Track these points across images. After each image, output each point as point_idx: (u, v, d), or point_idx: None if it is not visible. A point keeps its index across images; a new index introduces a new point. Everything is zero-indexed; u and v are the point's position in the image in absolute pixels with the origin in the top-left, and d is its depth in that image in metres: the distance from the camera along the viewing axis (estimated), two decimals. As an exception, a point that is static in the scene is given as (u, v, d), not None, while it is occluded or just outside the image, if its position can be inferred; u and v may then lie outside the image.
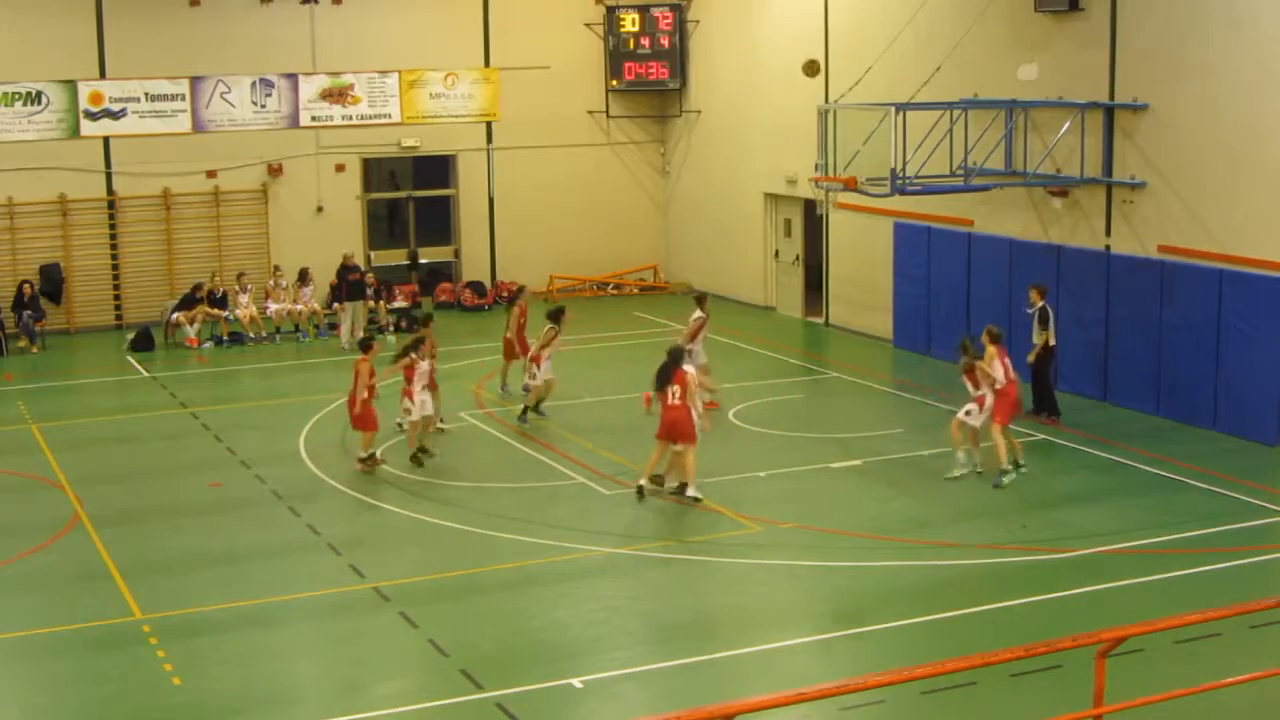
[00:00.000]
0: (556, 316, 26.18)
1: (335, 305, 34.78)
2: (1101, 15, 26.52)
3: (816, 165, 27.39)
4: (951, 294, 30.11)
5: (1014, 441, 22.31)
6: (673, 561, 19.01)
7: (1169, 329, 25.50)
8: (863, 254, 33.30)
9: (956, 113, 27.27)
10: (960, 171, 27.27)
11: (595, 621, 17.13)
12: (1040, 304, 25.21)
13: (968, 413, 22.31)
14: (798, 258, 36.39)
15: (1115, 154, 26.50)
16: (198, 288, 35.02)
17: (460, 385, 28.81)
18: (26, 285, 34.94)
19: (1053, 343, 25.31)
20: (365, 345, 24.09)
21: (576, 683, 15.21)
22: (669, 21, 39.70)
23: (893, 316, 32.04)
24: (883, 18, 31.49)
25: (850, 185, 26.46)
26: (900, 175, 25.45)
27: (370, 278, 36.05)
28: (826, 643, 16.57)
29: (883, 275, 32.31)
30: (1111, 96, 26.47)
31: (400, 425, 24.37)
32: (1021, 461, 22.28)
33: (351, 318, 33.87)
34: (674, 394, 21.18)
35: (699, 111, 39.66)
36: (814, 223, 35.48)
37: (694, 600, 18.03)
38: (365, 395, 23.09)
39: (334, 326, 34.63)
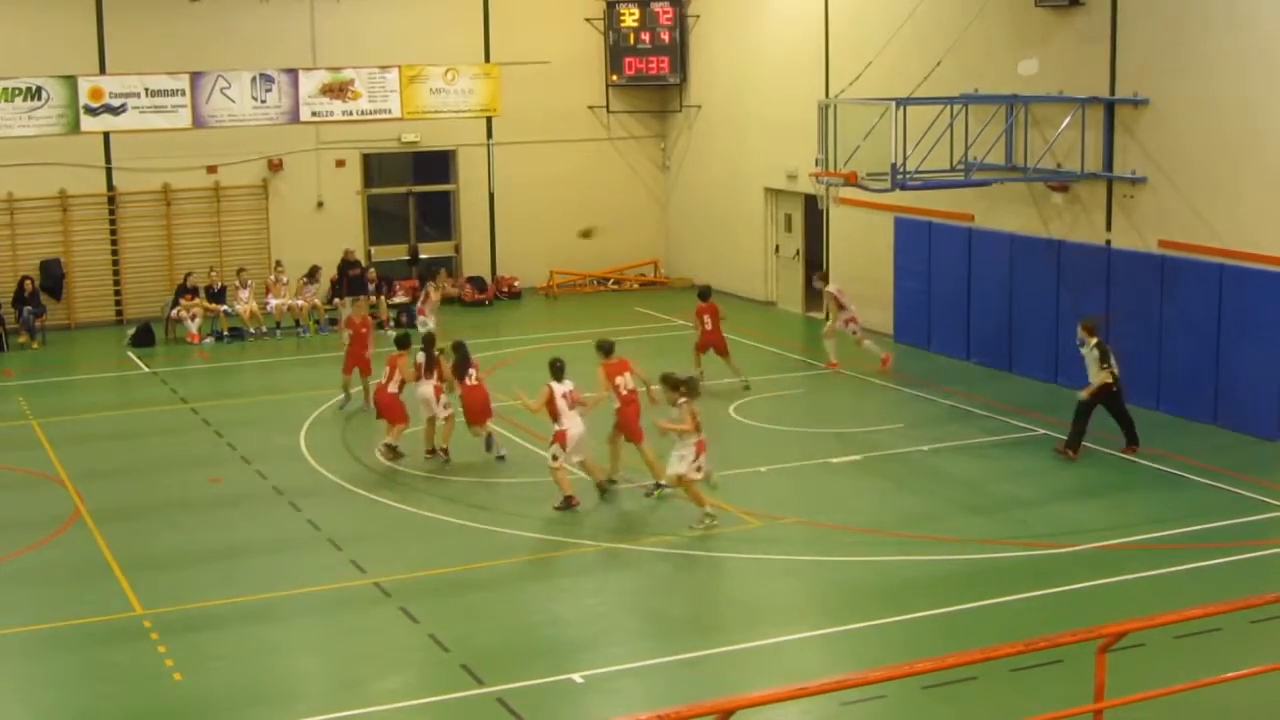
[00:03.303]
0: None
1: (336, 300, 34.78)
2: (1102, 10, 26.52)
3: (817, 160, 27.41)
4: (952, 289, 30.12)
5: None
6: (673, 556, 19.03)
7: (1169, 324, 25.50)
8: (863, 249, 33.30)
9: (957, 108, 27.28)
10: (961, 166, 27.27)
11: (596, 616, 17.16)
12: (1094, 340, 23.03)
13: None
14: (798, 253, 36.39)
15: (1116, 149, 26.50)
16: (188, 276, 35.11)
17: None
18: (27, 280, 34.95)
19: (1112, 382, 22.88)
20: (402, 343, 24.24)
21: (577, 678, 15.23)
22: (669, 16, 39.69)
23: (893, 311, 32.04)
24: (882, 12, 31.48)
25: (851, 180, 26.46)
26: (901, 170, 25.46)
27: (371, 273, 36.09)
28: (826, 637, 16.57)
29: (883, 270, 32.30)
30: (1112, 91, 26.48)
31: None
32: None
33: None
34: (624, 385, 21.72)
35: (699, 106, 39.66)
36: (814, 218, 35.47)
37: (694, 595, 18.07)
38: (396, 390, 23.33)
39: (334, 322, 34.60)
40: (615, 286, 40.40)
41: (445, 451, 23.27)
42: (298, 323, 35.21)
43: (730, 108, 38.20)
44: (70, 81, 33.91)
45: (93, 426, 26.75)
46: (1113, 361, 22.82)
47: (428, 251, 39.92)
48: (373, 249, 39.10)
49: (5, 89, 33.35)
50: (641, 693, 15.10)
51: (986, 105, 27.75)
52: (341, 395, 27.20)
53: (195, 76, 34.61)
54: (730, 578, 18.55)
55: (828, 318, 30.20)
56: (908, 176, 25.80)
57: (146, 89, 34.80)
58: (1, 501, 22.25)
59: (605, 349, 21.94)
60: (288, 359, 32.65)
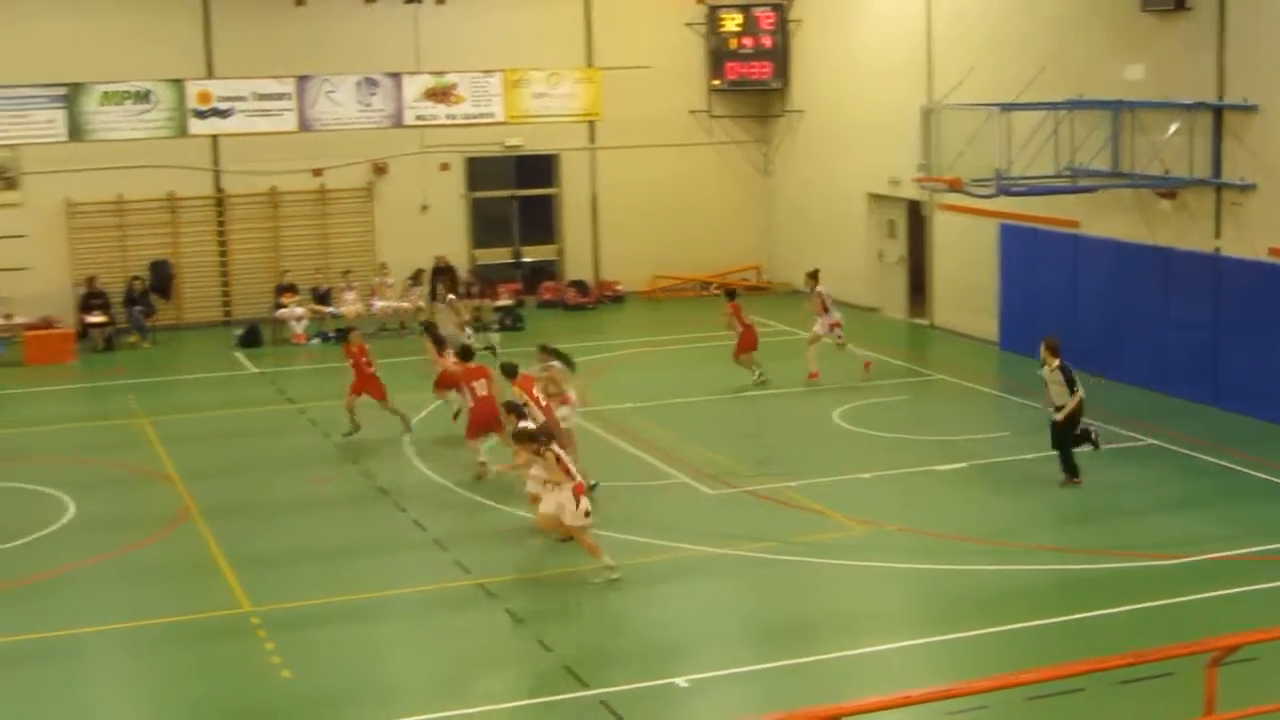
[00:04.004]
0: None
1: (431, 305, 35.02)
2: (1209, 14, 26.21)
3: (921, 166, 27.29)
4: (1057, 296, 29.84)
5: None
6: (775, 562, 19.00)
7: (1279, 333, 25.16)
8: (967, 255, 33.10)
9: (1061, 113, 27.06)
10: (1066, 172, 27.07)
11: (698, 621, 17.19)
12: (1056, 362, 21.92)
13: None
14: (901, 259, 36.25)
15: (1224, 155, 26.18)
16: (284, 273, 35.80)
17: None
18: (137, 281, 35.51)
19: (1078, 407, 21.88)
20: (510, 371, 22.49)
21: (681, 681, 15.25)
22: (771, 21, 39.65)
23: (998, 319, 31.80)
24: (985, 17, 31.31)
25: (954, 186, 26.35)
26: (1005, 176, 25.31)
27: (463, 277, 36.31)
28: (928, 646, 16.47)
29: (987, 277, 32.09)
30: (1220, 97, 26.16)
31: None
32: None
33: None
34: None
35: (801, 111, 39.59)
36: (918, 223, 35.33)
37: (797, 601, 18.03)
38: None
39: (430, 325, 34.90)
40: (717, 291, 40.36)
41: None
42: (402, 325, 35.50)
43: (832, 112, 38.10)
44: (178, 85, 34.35)
45: (201, 425, 27.11)
46: (1079, 384, 21.81)
47: (531, 255, 40.14)
48: (476, 252, 39.35)
49: (115, 92, 33.81)
50: (744, 698, 15.10)
51: (1091, 111, 27.52)
52: (350, 425, 25.59)
53: (301, 80, 34.96)
54: (831, 584, 18.49)
55: (826, 314, 29.31)
56: (1012, 183, 25.64)
57: (253, 93, 35.15)
58: (113, 498, 22.60)
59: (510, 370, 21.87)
60: (392, 361, 32.82)
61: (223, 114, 34.92)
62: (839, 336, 29.03)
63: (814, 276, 29.87)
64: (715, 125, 40.72)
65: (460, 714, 14.72)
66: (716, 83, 40.17)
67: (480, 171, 39.58)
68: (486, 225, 40.03)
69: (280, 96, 35.18)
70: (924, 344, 33.36)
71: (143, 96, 34.14)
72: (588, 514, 18.23)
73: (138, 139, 34.25)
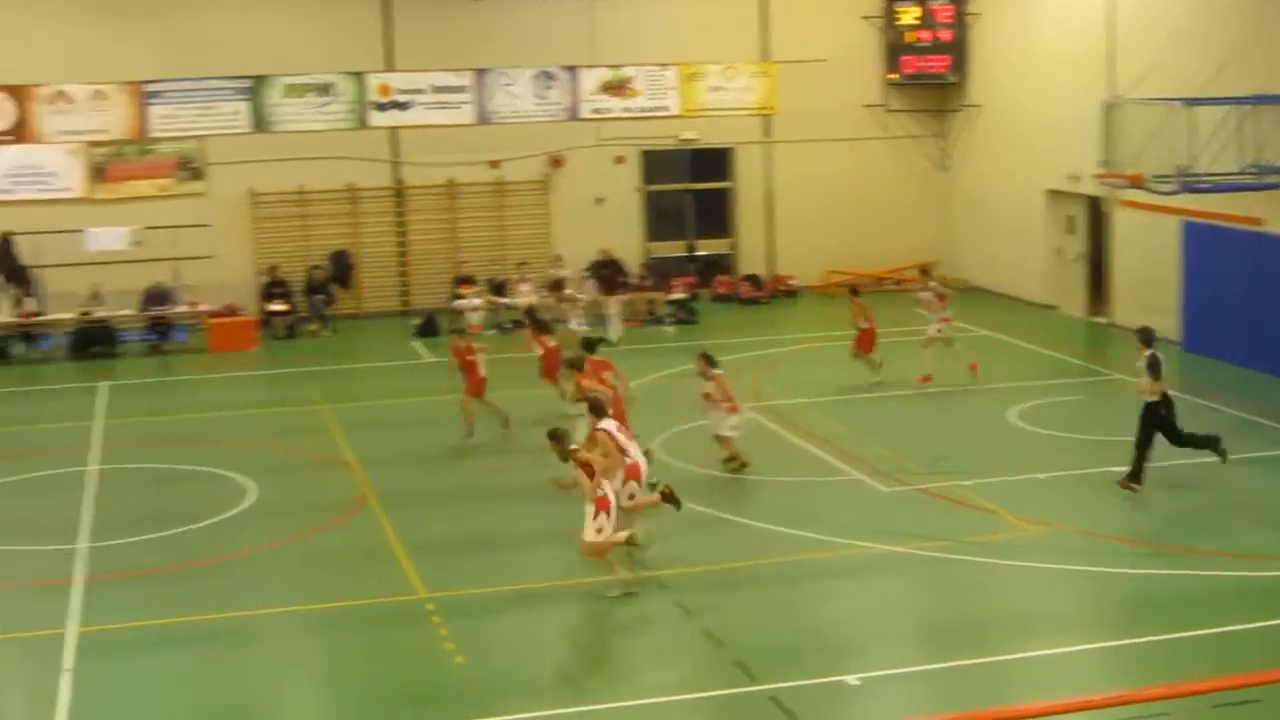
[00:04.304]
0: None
1: (598, 299, 35.22)
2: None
3: (1101, 161, 26.86)
4: (1241, 295, 29.16)
5: None
6: (948, 561, 18.82)
7: None
8: (1148, 252, 32.48)
9: (1246, 108, 26.45)
10: (1251, 169, 26.46)
11: (869, 618, 17.11)
12: (1147, 352, 21.18)
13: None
14: (1080, 255, 35.71)
15: None
16: (462, 264, 36.52)
17: (735, 379, 28.81)
18: (317, 270, 36.15)
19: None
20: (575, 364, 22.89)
21: (851, 679, 15.17)
22: (949, 14, 39.29)
23: (1180, 318, 31.13)
24: (1169, 8, 30.70)
25: (1136, 182, 25.91)
26: (1188, 173, 24.82)
27: (628, 270, 36.39)
28: (1103, 651, 16.17)
29: (1167, 274, 31.46)
30: None
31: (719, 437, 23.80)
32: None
33: (608, 312, 34.26)
34: None
35: (979, 105, 39.17)
36: (1097, 219, 34.77)
37: (968, 601, 17.84)
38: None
39: (600, 318, 35.15)
40: (893, 286, 40.10)
41: (737, 460, 22.83)
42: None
43: (1011, 107, 37.64)
44: (359, 78, 34.85)
45: (379, 413, 27.52)
46: (1161, 376, 21.10)
47: (705, 249, 40.20)
48: (650, 245, 39.49)
49: (296, 85, 34.37)
50: (915, 698, 15.00)
51: (1277, 106, 26.82)
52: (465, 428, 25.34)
53: (479, 73, 35.29)
54: (1003, 585, 18.27)
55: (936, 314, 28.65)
56: (1195, 179, 25.14)
57: (432, 85, 35.52)
58: (293, 484, 23.05)
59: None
60: (566, 352, 33.06)
61: (402, 106, 35.33)
62: (943, 332, 28.42)
63: (927, 271, 29.47)
64: (891, 119, 40.43)
65: (629, 705, 14.77)
66: (893, 76, 39.89)
67: (655, 165, 39.71)
68: (661, 218, 40.13)
69: (458, 89, 35.49)
70: (1103, 342, 32.80)
71: (324, 89, 34.66)
72: (600, 531, 17.61)
73: (319, 131, 34.82)
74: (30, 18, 35.38)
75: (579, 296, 30.50)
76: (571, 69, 35.81)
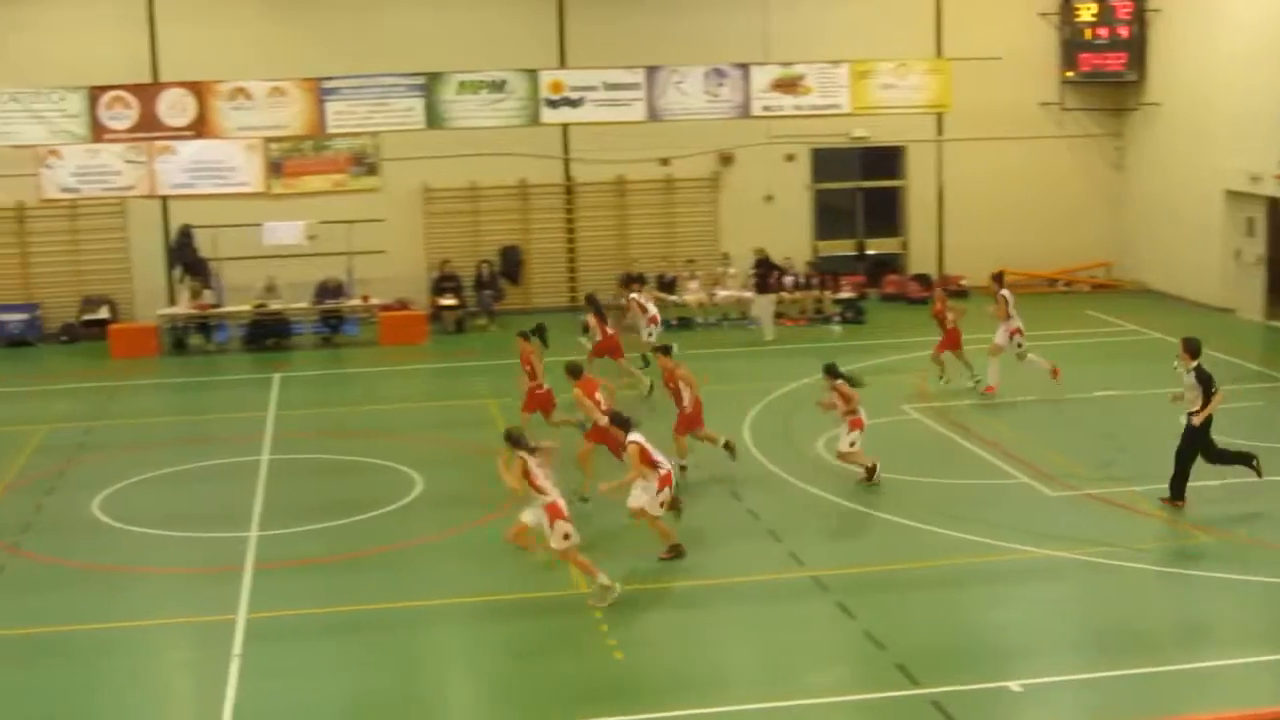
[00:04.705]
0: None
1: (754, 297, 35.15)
2: None
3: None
4: None
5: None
6: (1116, 568, 18.48)
7: None
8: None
9: None
10: None
11: (1034, 624, 16.88)
12: (1194, 364, 20.58)
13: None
14: (1260, 258, 34.87)
15: None
16: (632, 262, 36.51)
17: (902, 379, 28.67)
18: (485, 265, 36.48)
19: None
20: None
21: (1014, 685, 14.97)
22: (1128, 10, 38.57)
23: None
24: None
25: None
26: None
27: (784, 270, 36.17)
28: (1272, 665, 15.74)
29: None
30: None
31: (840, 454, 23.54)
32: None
33: (755, 312, 34.07)
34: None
35: (1158, 104, 38.40)
36: (1278, 221, 33.93)
37: (1138, 610, 17.48)
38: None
39: (779, 316, 35.05)
40: (1065, 288, 39.50)
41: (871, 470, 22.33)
42: (744, 315, 35.66)
43: (1191, 106, 36.84)
44: (532, 75, 35.07)
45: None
46: (1216, 388, 20.35)
47: (874, 248, 39.94)
48: (819, 244, 39.32)
49: (471, 82, 34.66)
50: (1080, 707, 14.78)
51: None
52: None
53: (650, 71, 35.34)
54: (1172, 593, 17.92)
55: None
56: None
57: (603, 82, 35.62)
58: (459, 477, 23.27)
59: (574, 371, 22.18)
60: (733, 350, 33.08)
61: (573, 103, 35.47)
62: (1019, 345, 27.60)
63: (998, 279, 28.53)
64: (1066, 118, 39.81)
65: (786, 706, 14.71)
66: (1069, 74, 39.27)
67: (825, 163, 39.52)
68: (830, 217, 39.93)
69: (630, 86, 35.54)
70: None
71: (497, 86, 34.91)
72: (567, 537, 17.39)
73: (491, 127, 35.10)
74: (211, 16, 36.16)
75: (649, 307, 30.36)
76: (743, 66, 35.69)
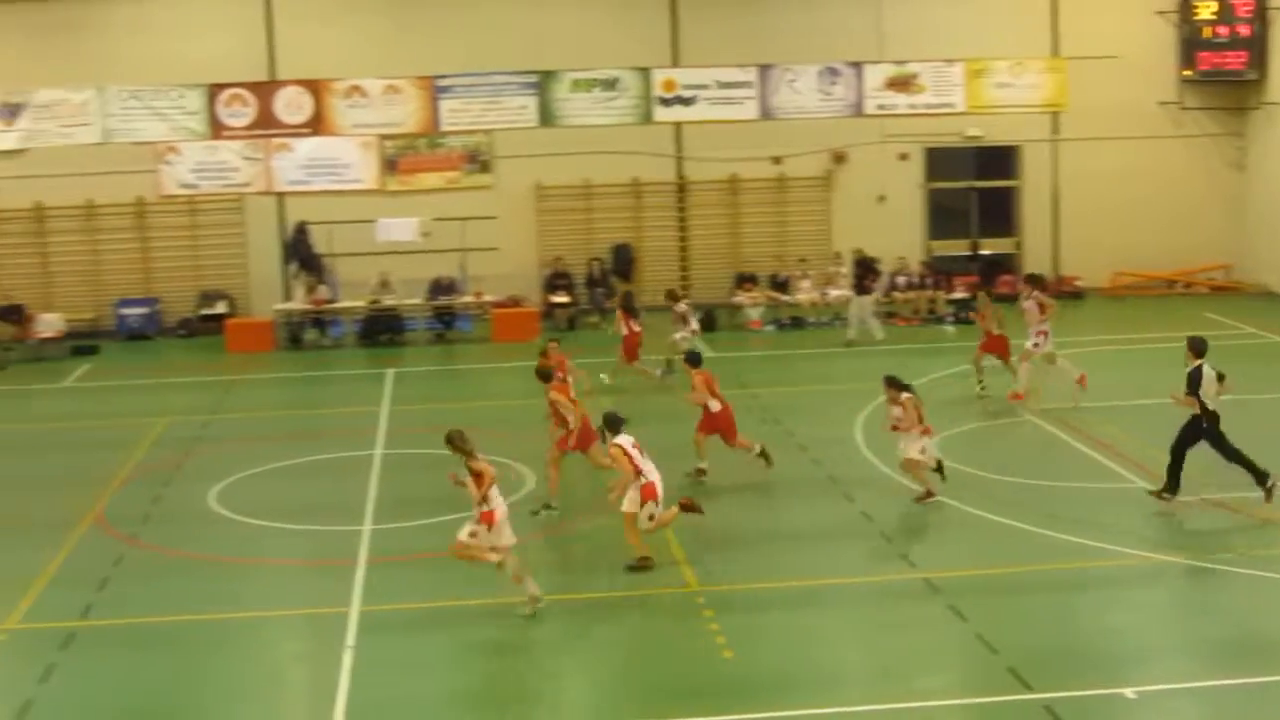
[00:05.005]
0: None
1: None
2: None
3: None
4: None
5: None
6: (1231, 575, 18.19)
7: None
8: None
9: None
10: None
11: (1149, 630, 16.68)
12: (1197, 362, 20.64)
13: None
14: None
15: None
16: (744, 262, 36.52)
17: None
18: (596, 263, 36.58)
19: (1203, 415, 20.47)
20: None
21: (1128, 692, 14.78)
22: (1249, 8, 38.00)
23: None
24: None
25: None
26: None
27: (879, 270, 35.97)
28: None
29: None
30: None
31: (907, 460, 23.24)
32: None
33: (858, 311, 33.74)
34: None
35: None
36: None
37: (1253, 617, 17.15)
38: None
39: (891, 315, 34.87)
40: (1184, 290, 38.98)
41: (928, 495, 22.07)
42: (838, 315, 35.39)
43: (1314, 105, 36.27)
44: (645, 73, 35.13)
45: (651, 406, 27.58)
46: (1200, 393, 20.19)
47: (988, 248, 39.65)
48: (932, 243, 39.08)
49: (584, 80, 34.82)
50: (1196, 715, 14.60)
51: None
52: None
53: (763, 69, 35.29)
54: (1290, 601, 17.66)
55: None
56: None
57: (716, 81, 35.64)
58: (569, 473, 23.13)
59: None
60: (843, 350, 32.92)
61: (686, 102, 35.52)
62: (1041, 348, 26.75)
63: (1031, 281, 27.73)
64: (1185, 117, 39.29)
65: (897, 708, 14.64)
66: (1188, 73, 38.76)
67: (938, 162, 39.30)
68: (943, 216, 39.68)
69: (743, 85, 35.53)
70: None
71: (610, 84, 35.03)
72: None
73: (604, 125, 35.20)
74: (328, 15, 36.58)
75: (690, 320, 30.31)
76: (856, 65, 35.58)
